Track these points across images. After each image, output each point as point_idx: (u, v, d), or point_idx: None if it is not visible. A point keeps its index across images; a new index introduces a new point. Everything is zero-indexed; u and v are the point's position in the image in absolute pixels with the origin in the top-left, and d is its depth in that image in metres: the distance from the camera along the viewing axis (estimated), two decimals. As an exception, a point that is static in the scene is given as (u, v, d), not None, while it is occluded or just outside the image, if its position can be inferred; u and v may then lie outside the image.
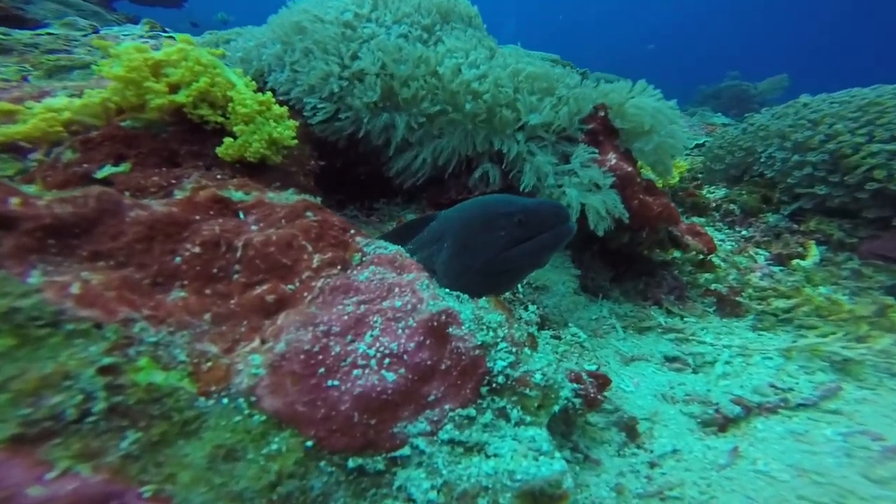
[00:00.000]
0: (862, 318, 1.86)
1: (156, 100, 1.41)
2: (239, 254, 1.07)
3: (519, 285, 1.96)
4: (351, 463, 0.89)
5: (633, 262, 2.56)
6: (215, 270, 1.03)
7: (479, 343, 1.06)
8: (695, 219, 3.34)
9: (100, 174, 1.35)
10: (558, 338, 1.97)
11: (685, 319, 2.28)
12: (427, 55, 1.90)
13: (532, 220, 1.36)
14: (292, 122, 1.74)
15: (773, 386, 1.60)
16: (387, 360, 0.99)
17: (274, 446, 0.84)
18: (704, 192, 3.66)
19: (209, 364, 0.90)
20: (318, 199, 1.40)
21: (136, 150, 1.41)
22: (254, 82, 1.72)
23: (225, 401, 0.87)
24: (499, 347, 1.12)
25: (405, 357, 1.00)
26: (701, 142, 4.57)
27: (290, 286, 1.08)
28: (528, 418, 1.09)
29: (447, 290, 1.26)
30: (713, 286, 2.44)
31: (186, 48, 1.53)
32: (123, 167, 1.37)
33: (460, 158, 1.98)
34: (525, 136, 1.90)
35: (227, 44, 2.33)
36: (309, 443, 0.87)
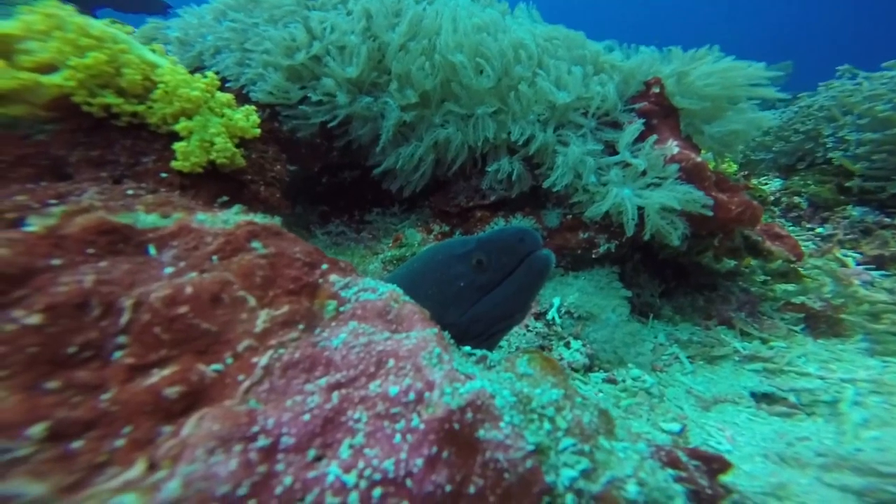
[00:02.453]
0: None
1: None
2: (125, 319, 0.69)
3: (556, 314, 1.56)
4: None
5: (687, 273, 2.16)
6: (73, 349, 0.64)
7: (530, 448, 0.67)
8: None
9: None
10: (614, 381, 1.57)
11: (770, 344, 1.87)
12: (420, 18, 1.53)
13: (493, 256, 1.08)
14: (250, 107, 1.38)
15: None
16: (377, 492, 0.60)
17: None
18: (759, 181, 3.26)
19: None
20: (278, 220, 1.02)
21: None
22: (182, 67, 1.35)
23: None
24: (561, 447, 0.73)
25: (408, 483, 0.61)
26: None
27: (214, 367, 0.69)
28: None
29: (467, 348, 0.87)
30: (797, 299, 2.03)
31: (59, 14, 1.15)
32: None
33: (472, 153, 1.59)
34: (555, 122, 1.51)
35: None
36: None
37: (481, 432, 0.66)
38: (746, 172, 3.51)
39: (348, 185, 1.86)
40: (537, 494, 0.70)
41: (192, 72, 1.82)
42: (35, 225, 0.79)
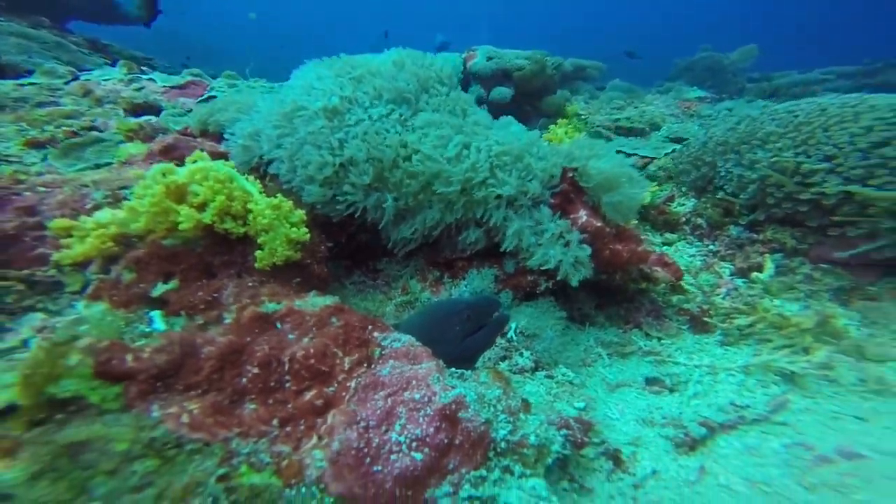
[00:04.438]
0: (806, 330, 2.22)
1: (184, 224, 1.70)
2: (287, 367, 1.39)
3: (513, 334, 2.29)
4: (397, 529, 1.22)
5: (613, 292, 2.92)
6: (272, 383, 1.34)
7: (483, 420, 1.40)
8: (668, 234, 3.71)
9: (155, 293, 1.64)
10: (551, 377, 2.31)
11: (662, 341, 2.63)
12: (405, 141, 2.23)
13: (476, 313, 1.83)
14: (300, 214, 2.04)
15: (733, 404, 1.96)
16: (414, 444, 1.30)
17: (340, 526, 1.17)
18: (675, 205, 4.03)
19: (286, 462, 1.22)
20: (338, 298, 1.72)
21: (180, 267, 1.71)
22: (259, 182, 2.02)
23: (303, 490, 1.19)
24: (499, 419, 1.45)
25: (427, 439, 1.32)
26: (669, 150, 4.95)
27: (330, 388, 1.40)
28: (528, 472, 1.42)
29: (452, 369, 1.59)
30: (686, 305, 2.81)
31: (206, 167, 1.82)
32: (172, 284, 1.67)
33: (448, 226, 2.30)
34: (504, 205, 2.23)
35: (221, 115, 2.64)
36: (365, 519, 1.19)
37: (460, 414, 1.37)
38: (673, 195, 4.28)
39: (364, 243, 2.56)
40: (487, 443, 1.42)
41: (255, 168, 2.47)
42: (229, 318, 1.47)
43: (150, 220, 1.66)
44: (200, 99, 5.44)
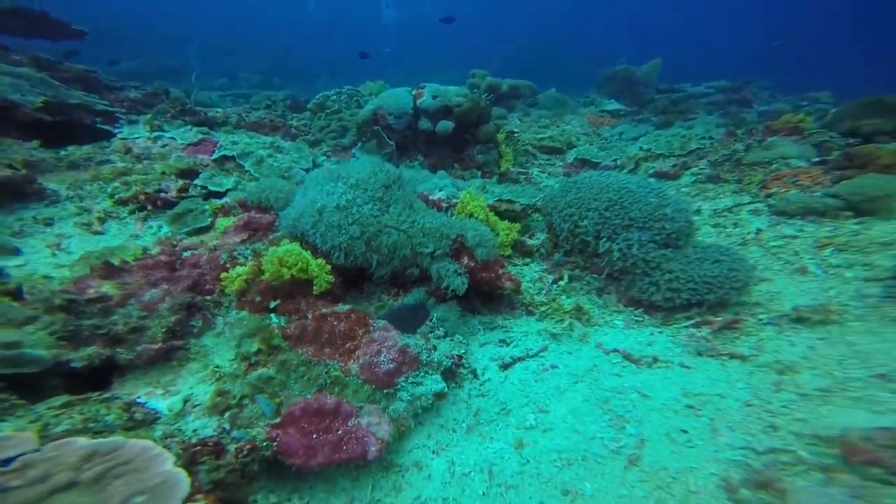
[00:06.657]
0: (567, 312, 4.36)
1: (286, 276, 3.54)
2: (337, 334, 3.29)
3: (435, 319, 4.26)
4: (385, 391, 3.16)
5: (490, 296, 4.97)
6: (333, 341, 3.24)
7: (417, 352, 3.37)
8: (526, 259, 5.81)
9: (271, 306, 3.47)
10: (452, 340, 4.29)
11: (510, 321, 4.71)
12: (381, 221, 4.14)
13: (416, 310, 3.71)
14: (328, 267, 3.89)
15: (527, 348, 4.05)
16: (389, 360, 3.24)
17: (365, 389, 3.09)
18: (533, 239, 6.16)
19: (344, 368, 3.13)
20: (348, 306, 3.63)
21: (280, 294, 3.52)
22: (309, 252, 3.86)
23: (350, 378, 3.11)
24: (422, 353, 3.42)
25: (394, 359, 3.27)
26: (538, 198, 7.09)
27: (355, 342, 3.31)
28: (434, 373, 3.41)
29: (405, 335, 3.55)
30: (524, 301, 4.90)
31: (290, 249, 3.64)
32: (277, 302, 3.50)
33: (403, 266, 4.25)
34: (429, 255, 4.21)
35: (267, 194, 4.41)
36: (374, 387, 3.13)
37: (408, 350, 3.28)
38: (533, 232, 6.40)
39: (356, 275, 4.44)
40: (418, 361, 3.36)
41: (297, 237, 4.26)
42: (310, 315, 3.32)
43: (271, 275, 3.49)
44: (215, 156, 6.94)
